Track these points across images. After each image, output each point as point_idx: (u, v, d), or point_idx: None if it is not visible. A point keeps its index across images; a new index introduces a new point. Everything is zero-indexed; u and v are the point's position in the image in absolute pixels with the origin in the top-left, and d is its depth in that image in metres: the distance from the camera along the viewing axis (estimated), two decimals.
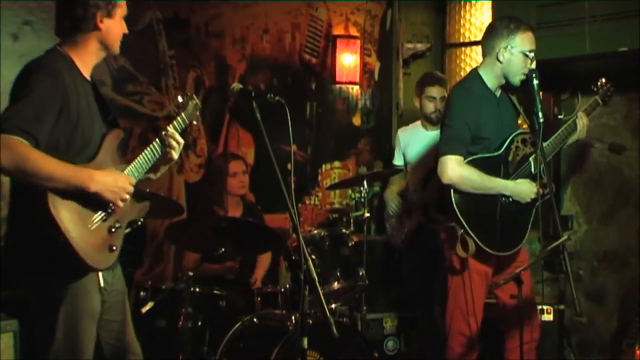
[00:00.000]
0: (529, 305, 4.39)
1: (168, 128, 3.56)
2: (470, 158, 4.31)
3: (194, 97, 3.70)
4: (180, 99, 3.71)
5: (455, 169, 4.26)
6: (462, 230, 4.25)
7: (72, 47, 3.36)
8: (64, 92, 3.20)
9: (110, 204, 3.26)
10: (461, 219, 4.24)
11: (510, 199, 4.34)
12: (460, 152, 4.29)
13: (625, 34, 5.03)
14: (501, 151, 4.37)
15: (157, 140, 3.52)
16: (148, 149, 3.49)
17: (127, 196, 3.30)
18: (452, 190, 4.26)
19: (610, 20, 5.11)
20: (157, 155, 3.50)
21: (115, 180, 3.25)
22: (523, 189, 4.34)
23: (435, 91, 5.70)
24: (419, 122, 5.90)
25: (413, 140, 5.87)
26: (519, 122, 4.64)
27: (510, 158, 4.38)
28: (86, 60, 3.38)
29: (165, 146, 3.52)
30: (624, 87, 5.26)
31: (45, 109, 3.14)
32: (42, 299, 3.22)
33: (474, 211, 4.29)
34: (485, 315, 4.46)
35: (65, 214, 3.12)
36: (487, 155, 4.35)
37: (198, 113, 3.72)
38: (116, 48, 3.45)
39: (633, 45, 4.99)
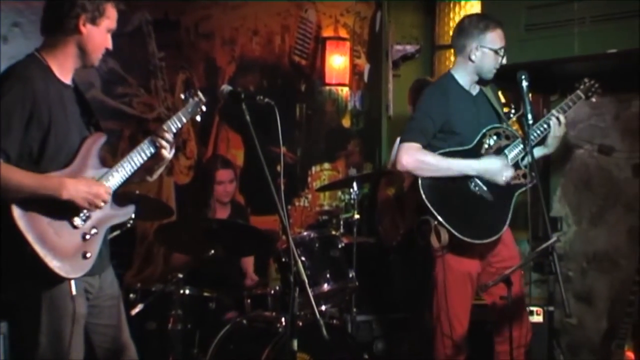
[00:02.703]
0: (519, 307, 4.38)
1: (162, 127, 3.53)
2: (440, 152, 4.31)
3: (198, 93, 3.68)
4: (182, 95, 3.70)
5: (410, 154, 4.26)
6: (435, 222, 4.25)
7: (50, 51, 3.33)
8: (33, 98, 3.17)
9: (85, 211, 3.25)
10: (431, 208, 4.23)
11: (484, 186, 4.33)
12: (419, 140, 4.29)
13: (614, 35, 5.04)
14: (472, 145, 4.37)
15: (145, 141, 3.50)
16: (134, 151, 3.46)
17: (102, 203, 3.28)
18: (419, 181, 4.26)
19: (600, 22, 5.12)
20: (144, 157, 3.46)
21: (88, 187, 3.23)
22: (491, 165, 4.31)
23: None
24: None
25: None
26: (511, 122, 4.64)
27: (482, 151, 4.38)
28: (64, 64, 3.35)
29: (156, 146, 3.50)
30: (614, 89, 5.28)
31: (13, 118, 3.13)
32: (23, 304, 3.23)
33: (445, 199, 4.27)
34: (474, 317, 4.46)
35: (33, 224, 3.11)
36: (457, 149, 4.35)
37: (201, 110, 3.69)
38: (94, 59, 3.39)
39: (622, 47, 5.00)
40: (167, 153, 3.53)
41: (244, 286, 5.48)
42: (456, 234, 4.22)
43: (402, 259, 5.81)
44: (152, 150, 3.49)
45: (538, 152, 4.57)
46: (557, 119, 4.43)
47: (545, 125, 4.42)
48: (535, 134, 4.37)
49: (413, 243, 5.49)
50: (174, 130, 3.54)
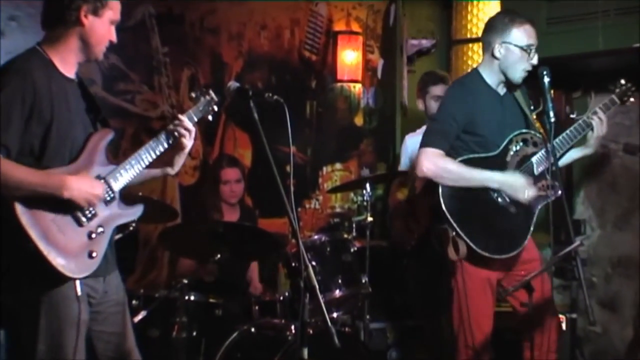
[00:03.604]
0: (546, 311, 4.36)
1: (179, 116, 3.56)
2: (462, 158, 4.28)
3: (210, 92, 3.69)
4: (193, 93, 3.71)
5: (431, 161, 4.23)
6: (453, 232, 4.23)
7: (51, 44, 3.35)
8: (33, 92, 3.18)
9: (90, 209, 3.26)
10: (450, 218, 4.21)
11: (508, 199, 4.31)
12: (441, 145, 4.25)
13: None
14: (497, 151, 4.35)
15: (161, 133, 3.51)
16: (145, 147, 3.47)
17: (100, 202, 3.30)
18: (440, 189, 4.24)
19: (625, 15, 5.12)
20: (156, 152, 3.48)
21: (91, 186, 3.24)
22: (513, 181, 4.27)
23: (439, 90, 5.68)
24: (425, 127, 5.88)
25: None
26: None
27: (507, 159, 4.36)
28: (67, 57, 3.36)
29: (175, 137, 3.52)
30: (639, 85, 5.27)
31: (13, 112, 3.14)
32: (22, 308, 3.22)
33: (466, 210, 4.24)
34: (499, 325, 4.44)
35: (36, 220, 3.12)
36: (481, 155, 4.32)
37: (212, 109, 3.70)
38: (98, 52, 3.40)
39: None
40: (188, 141, 3.55)
41: (248, 293, 5.48)
42: (475, 248, 4.20)
43: (417, 264, 5.80)
44: (165, 145, 3.51)
45: (577, 153, 4.56)
46: (599, 118, 4.42)
47: (583, 125, 4.42)
48: (572, 136, 4.38)
49: (428, 247, 5.50)
50: (195, 120, 3.57)
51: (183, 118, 3.55)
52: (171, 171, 3.67)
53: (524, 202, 4.28)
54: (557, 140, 4.35)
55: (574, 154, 4.61)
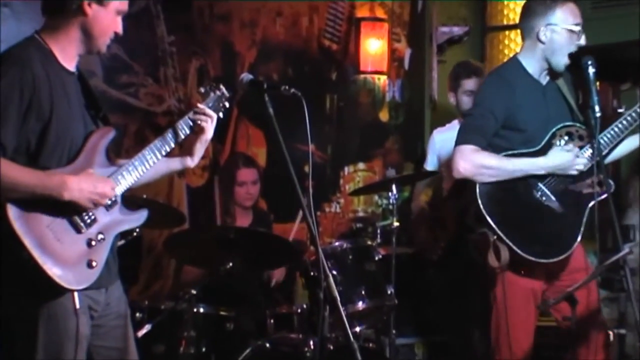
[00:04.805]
0: (593, 327, 4.32)
1: (198, 105, 3.59)
2: (503, 154, 4.28)
3: (221, 87, 3.70)
4: (202, 88, 3.72)
5: (467, 159, 4.22)
6: (494, 236, 4.21)
7: (51, 34, 3.35)
8: (33, 85, 3.19)
9: (90, 214, 3.27)
10: (490, 220, 4.19)
11: (552, 195, 4.28)
12: (477, 142, 4.24)
13: None
14: (539, 147, 4.33)
15: (168, 132, 3.52)
16: (151, 145, 3.48)
17: (107, 202, 3.30)
18: (477, 189, 4.22)
19: None
20: (162, 153, 3.49)
21: (93, 187, 3.23)
22: (561, 159, 4.27)
23: (472, 84, 5.67)
24: (456, 122, 5.87)
25: (450, 142, 5.83)
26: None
27: None
28: (67, 49, 3.36)
29: (195, 123, 3.56)
30: None
31: (10, 106, 3.14)
32: (18, 321, 3.23)
33: (507, 212, 4.23)
34: (538, 340, 4.41)
35: (30, 226, 3.12)
36: (522, 152, 4.31)
37: (223, 106, 3.71)
38: (101, 44, 3.40)
39: None
40: (209, 126, 3.59)
41: (267, 304, 5.48)
42: (519, 251, 4.18)
43: (444, 275, 5.79)
44: (172, 145, 3.53)
45: (631, 143, 4.53)
46: None
47: (636, 117, 4.38)
48: (619, 131, 4.35)
49: (456, 257, 5.49)
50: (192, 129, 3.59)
51: (203, 106, 3.59)
52: (191, 162, 3.70)
53: (576, 173, 4.27)
54: (603, 137, 4.33)
55: (629, 144, 4.56)
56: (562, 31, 4.30)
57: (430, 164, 5.94)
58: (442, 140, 5.88)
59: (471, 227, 4.46)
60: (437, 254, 5.77)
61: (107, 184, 3.29)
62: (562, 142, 4.34)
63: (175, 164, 3.68)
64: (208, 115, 3.59)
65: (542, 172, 4.27)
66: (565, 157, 4.28)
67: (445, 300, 5.80)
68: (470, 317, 5.40)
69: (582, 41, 4.30)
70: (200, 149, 3.67)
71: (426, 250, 5.93)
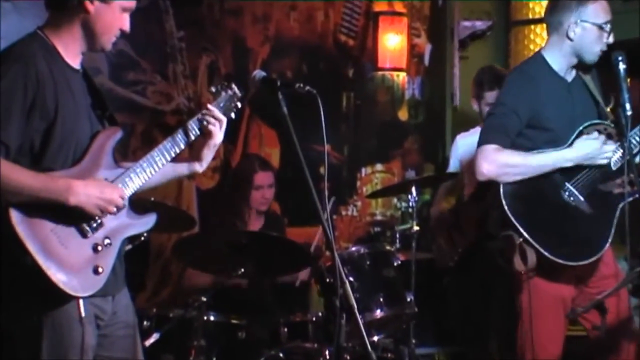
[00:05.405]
0: (624, 336, 4.29)
1: (208, 106, 3.59)
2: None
3: (232, 86, 3.70)
4: (213, 87, 3.72)
5: (490, 159, 4.20)
6: (520, 239, 4.19)
7: (54, 30, 3.35)
8: (37, 82, 3.19)
9: (96, 218, 3.27)
10: (515, 222, 4.16)
11: (580, 195, 4.27)
12: (500, 141, 4.21)
13: None
14: (566, 146, 4.32)
15: (177, 132, 3.53)
16: (160, 146, 3.48)
17: (114, 209, 3.30)
18: (501, 190, 4.20)
19: None
20: (172, 154, 3.49)
21: (101, 192, 3.24)
22: (588, 149, 4.25)
23: (495, 97, 5.63)
24: (479, 127, 5.84)
25: (473, 147, 5.80)
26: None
27: None
28: (71, 46, 3.36)
29: (203, 125, 3.56)
30: None
31: (14, 104, 3.15)
32: (20, 331, 3.23)
33: (533, 213, 4.21)
34: (566, 350, 4.40)
35: (34, 230, 3.12)
36: (548, 150, 4.30)
37: (235, 106, 3.71)
38: (104, 42, 3.39)
39: None
40: (218, 130, 3.59)
41: (281, 311, 5.48)
42: (546, 254, 4.15)
43: (460, 282, 5.78)
44: (182, 146, 3.53)
45: None
46: None
47: None
48: None
49: (473, 263, 5.48)
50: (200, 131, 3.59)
51: (212, 108, 3.58)
52: (199, 168, 3.70)
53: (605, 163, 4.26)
54: (635, 136, 4.31)
55: None
56: (592, 28, 4.28)
57: (453, 169, 5.92)
58: (465, 145, 5.85)
59: (492, 233, 4.45)
60: (454, 260, 5.76)
61: (115, 191, 3.29)
62: None
63: (182, 168, 3.68)
64: (217, 119, 3.58)
65: (570, 164, 4.25)
66: (593, 145, 4.26)
67: (459, 308, 5.80)
68: (485, 327, 5.39)
69: (611, 39, 4.29)
70: (208, 154, 3.67)
71: (442, 257, 5.93)
